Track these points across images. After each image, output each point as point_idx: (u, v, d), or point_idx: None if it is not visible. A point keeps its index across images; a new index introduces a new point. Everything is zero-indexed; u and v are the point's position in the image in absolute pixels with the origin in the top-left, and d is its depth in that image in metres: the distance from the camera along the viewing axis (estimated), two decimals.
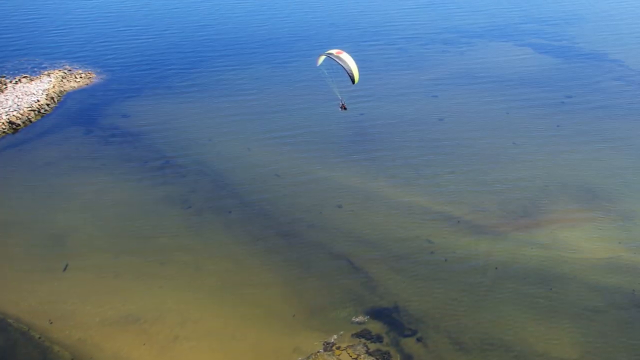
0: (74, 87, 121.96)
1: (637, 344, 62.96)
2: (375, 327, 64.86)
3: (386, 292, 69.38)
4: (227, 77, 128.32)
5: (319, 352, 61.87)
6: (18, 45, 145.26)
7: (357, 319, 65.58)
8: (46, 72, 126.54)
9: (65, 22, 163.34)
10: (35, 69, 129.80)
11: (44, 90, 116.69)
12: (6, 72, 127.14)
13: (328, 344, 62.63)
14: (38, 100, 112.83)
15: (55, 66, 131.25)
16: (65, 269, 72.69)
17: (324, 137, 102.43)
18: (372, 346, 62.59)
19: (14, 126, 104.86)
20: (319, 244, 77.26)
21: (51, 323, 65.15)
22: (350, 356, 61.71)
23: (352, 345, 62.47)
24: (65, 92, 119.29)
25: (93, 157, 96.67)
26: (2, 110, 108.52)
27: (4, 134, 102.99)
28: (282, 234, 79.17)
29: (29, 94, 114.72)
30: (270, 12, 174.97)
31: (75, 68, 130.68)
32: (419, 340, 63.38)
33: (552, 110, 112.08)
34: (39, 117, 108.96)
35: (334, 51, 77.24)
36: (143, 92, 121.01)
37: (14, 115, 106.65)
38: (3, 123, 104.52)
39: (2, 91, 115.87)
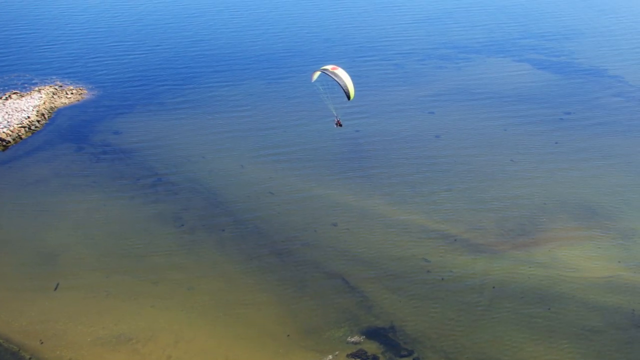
0: (65, 103, 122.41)
1: None
2: (371, 347, 65.18)
3: (382, 312, 69.78)
4: (220, 93, 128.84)
5: None
6: (8, 61, 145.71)
7: (352, 339, 65.90)
8: (37, 88, 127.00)
9: (56, 38, 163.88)
10: (26, 85, 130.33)
11: (34, 107, 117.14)
12: None
13: None
14: (28, 117, 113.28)
15: (45, 82, 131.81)
16: (56, 288, 72.99)
17: (318, 154, 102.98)
18: None
19: (4, 143, 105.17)
20: (313, 262, 77.71)
21: (42, 343, 65.40)
22: None
23: None
24: (56, 109, 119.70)
25: (84, 175, 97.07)
26: None
27: None
28: (276, 253, 79.60)
29: (19, 111, 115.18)
30: (265, 27, 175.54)
31: (66, 84, 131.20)
32: None
33: (551, 127, 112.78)
34: (29, 134, 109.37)
35: (329, 67, 77.86)
36: (135, 108, 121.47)
37: (3, 132, 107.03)
38: None
39: None
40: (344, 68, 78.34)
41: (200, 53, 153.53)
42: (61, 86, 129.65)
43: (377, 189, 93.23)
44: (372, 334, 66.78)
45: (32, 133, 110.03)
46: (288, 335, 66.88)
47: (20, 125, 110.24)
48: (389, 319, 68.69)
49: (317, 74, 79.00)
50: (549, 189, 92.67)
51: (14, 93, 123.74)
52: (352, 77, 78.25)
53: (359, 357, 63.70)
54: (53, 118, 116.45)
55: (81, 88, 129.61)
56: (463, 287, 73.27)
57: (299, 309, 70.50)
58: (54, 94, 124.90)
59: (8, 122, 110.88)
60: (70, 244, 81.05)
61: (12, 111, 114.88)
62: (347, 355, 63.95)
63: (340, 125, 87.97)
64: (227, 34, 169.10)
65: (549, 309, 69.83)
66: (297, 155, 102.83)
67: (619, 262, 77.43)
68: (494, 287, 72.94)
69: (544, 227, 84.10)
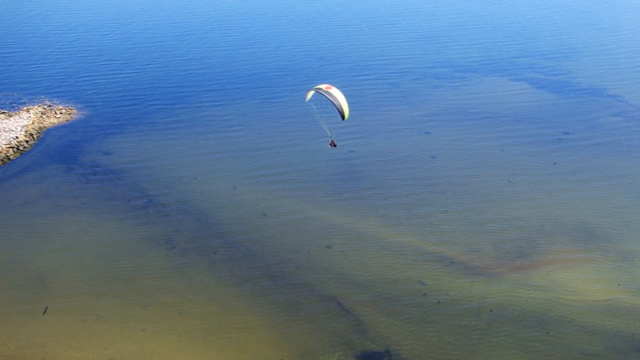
0: (54, 123, 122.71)
1: None
2: None
3: (377, 336, 70.09)
4: (212, 112, 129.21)
5: None
6: None
7: None
8: (25, 108, 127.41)
9: (45, 56, 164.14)
10: (14, 104, 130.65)
11: (22, 127, 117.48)
12: None
13: None
14: (17, 137, 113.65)
15: (34, 102, 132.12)
16: (45, 312, 73.21)
17: (312, 175, 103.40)
18: None
19: None
20: (307, 285, 78.05)
21: None
22: None
23: None
24: (44, 129, 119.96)
25: (74, 196, 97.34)
26: None
27: None
28: (270, 276, 79.91)
29: (7, 131, 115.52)
30: (258, 45, 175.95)
31: (55, 103, 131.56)
32: None
33: (549, 147, 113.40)
34: (17, 155, 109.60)
35: (323, 86, 78.35)
36: (125, 128, 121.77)
37: None
38: None
39: None
40: (338, 87, 78.91)
41: (192, 72, 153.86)
42: (50, 106, 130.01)
43: (372, 211, 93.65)
44: (367, 358, 67.04)
45: (21, 153, 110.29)
46: None
47: (8, 146, 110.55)
48: (384, 343, 69.00)
49: (311, 93, 79.45)
50: (547, 211, 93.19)
51: (2, 113, 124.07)
52: (347, 96, 78.86)
53: None
54: (42, 138, 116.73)
55: (70, 107, 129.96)
56: (460, 311, 73.66)
57: (293, 332, 70.80)
58: (42, 113, 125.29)
59: None
60: (60, 267, 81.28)
61: (0, 131, 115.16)
62: None
63: (335, 146, 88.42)
64: (219, 53, 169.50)
65: (548, 332, 70.25)
66: (291, 176, 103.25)
67: (619, 284, 77.92)
68: (491, 311, 73.33)
69: (542, 250, 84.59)
